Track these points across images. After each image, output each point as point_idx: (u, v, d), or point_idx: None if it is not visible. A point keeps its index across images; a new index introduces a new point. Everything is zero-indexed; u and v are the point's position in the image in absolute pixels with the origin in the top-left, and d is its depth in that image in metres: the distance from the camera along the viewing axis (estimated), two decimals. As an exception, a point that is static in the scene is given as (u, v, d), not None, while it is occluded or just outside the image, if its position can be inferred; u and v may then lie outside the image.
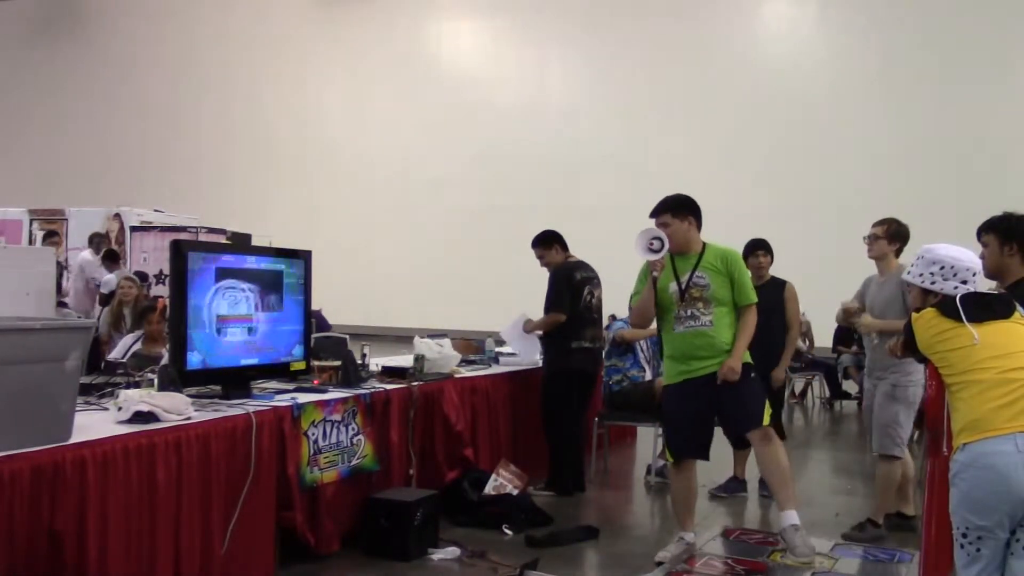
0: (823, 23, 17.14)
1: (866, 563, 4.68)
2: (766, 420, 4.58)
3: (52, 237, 13.25)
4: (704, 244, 4.68)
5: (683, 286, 4.55)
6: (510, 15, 19.17)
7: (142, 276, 10.60)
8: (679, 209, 4.63)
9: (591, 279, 6.07)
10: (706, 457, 4.69)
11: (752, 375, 4.60)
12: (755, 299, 4.65)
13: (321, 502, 4.30)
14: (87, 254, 11.55)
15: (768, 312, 5.25)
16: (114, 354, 5.97)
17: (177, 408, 3.61)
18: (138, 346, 5.97)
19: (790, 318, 5.91)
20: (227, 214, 16.00)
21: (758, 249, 5.97)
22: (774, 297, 5.78)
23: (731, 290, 4.58)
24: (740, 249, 5.30)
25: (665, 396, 4.75)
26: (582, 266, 6.12)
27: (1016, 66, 15.48)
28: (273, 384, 4.62)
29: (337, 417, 4.42)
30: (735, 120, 16.67)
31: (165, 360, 4.43)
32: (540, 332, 6.17)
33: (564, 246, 6.16)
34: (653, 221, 4.61)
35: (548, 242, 6.13)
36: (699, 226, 4.69)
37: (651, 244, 4.44)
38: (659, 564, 4.48)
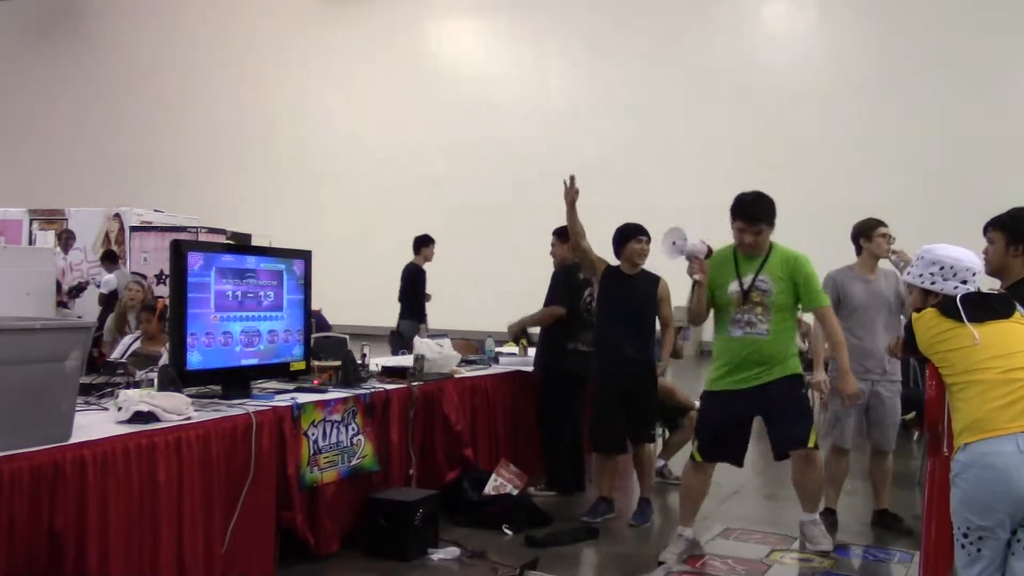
0: (824, 24, 17.15)
1: (866, 563, 4.67)
2: (812, 441, 4.46)
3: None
4: (772, 245, 4.50)
5: (745, 288, 4.41)
6: (510, 14, 19.17)
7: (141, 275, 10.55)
8: (774, 217, 4.42)
9: (591, 282, 6.05)
10: (740, 464, 4.67)
11: (803, 390, 4.57)
12: (825, 303, 4.48)
13: (321, 502, 4.30)
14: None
15: (646, 304, 5.29)
16: (115, 354, 5.98)
17: (177, 408, 3.61)
18: (137, 345, 5.97)
19: (665, 318, 5.50)
20: (227, 214, 15.99)
21: (640, 234, 5.42)
22: (649, 291, 5.42)
23: (794, 296, 4.42)
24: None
25: (705, 399, 4.68)
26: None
27: (1016, 66, 15.47)
28: (273, 384, 4.61)
29: (337, 417, 4.42)
30: (736, 119, 16.67)
31: (165, 360, 4.43)
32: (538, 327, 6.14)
33: None
34: (731, 222, 4.44)
35: (565, 237, 6.07)
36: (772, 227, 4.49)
37: (675, 244, 4.35)
38: (661, 564, 4.48)
